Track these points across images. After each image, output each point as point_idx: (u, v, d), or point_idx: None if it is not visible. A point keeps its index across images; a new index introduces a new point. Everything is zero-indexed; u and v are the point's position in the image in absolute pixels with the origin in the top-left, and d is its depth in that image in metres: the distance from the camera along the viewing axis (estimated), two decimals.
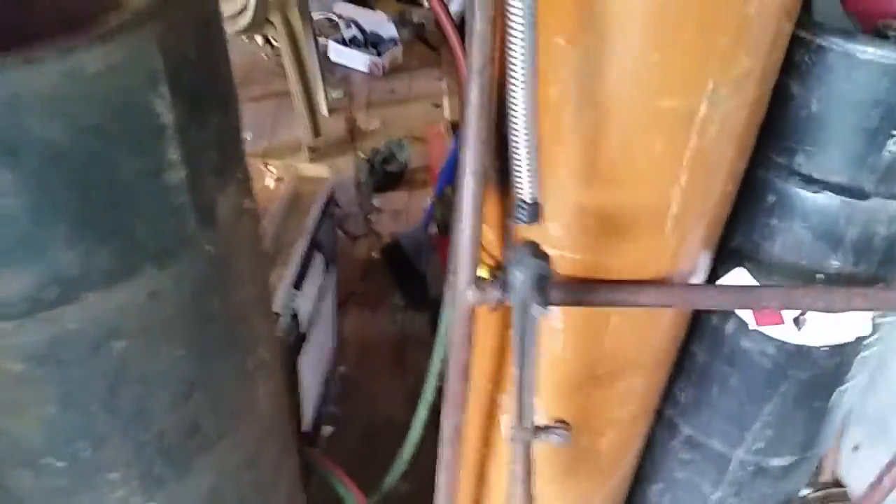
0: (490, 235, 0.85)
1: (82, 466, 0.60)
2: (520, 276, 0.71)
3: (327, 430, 1.66)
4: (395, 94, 3.15)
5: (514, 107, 0.65)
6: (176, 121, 0.56)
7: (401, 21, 3.39)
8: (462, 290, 0.76)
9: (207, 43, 0.64)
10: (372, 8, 3.40)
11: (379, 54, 3.21)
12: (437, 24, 2.66)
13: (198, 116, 0.59)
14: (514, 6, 0.60)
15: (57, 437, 0.58)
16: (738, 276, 0.96)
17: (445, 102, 3.02)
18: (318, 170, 1.69)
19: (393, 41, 3.29)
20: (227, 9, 2.39)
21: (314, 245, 1.40)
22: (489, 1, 0.63)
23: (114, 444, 0.60)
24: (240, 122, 0.71)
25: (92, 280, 0.54)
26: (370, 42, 3.27)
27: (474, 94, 0.67)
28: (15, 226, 0.49)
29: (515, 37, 0.62)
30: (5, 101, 0.48)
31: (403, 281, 2.16)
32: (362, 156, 2.71)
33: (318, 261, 1.44)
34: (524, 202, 0.70)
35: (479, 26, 0.64)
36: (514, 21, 0.61)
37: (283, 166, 1.59)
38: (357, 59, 3.23)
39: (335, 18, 3.31)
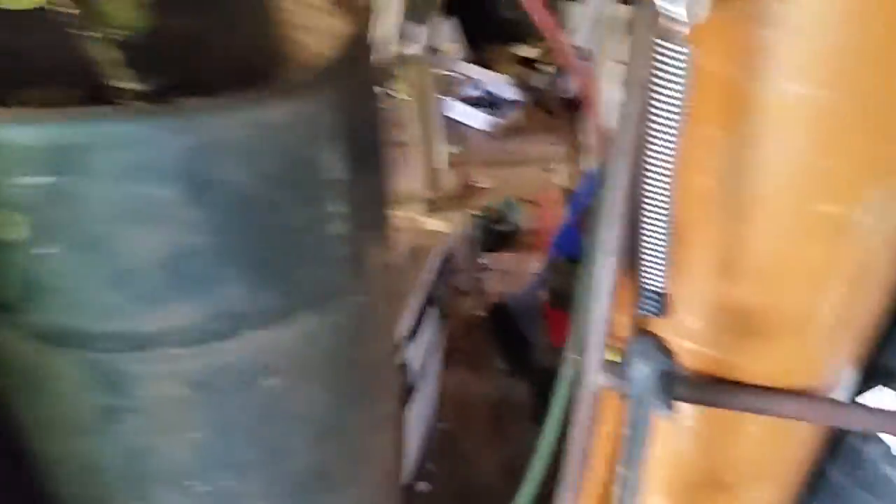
0: (618, 317, 0.82)
1: (222, 493, 0.62)
2: (641, 370, 0.67)
3: (423, 486, 1.64)
4: (510, 156, 3.20)
5: (652, 192, 0.61)
6: (344, 175, 0.60)
7: (521, 84, 3.47)
8: (590, 374, 0.73)
9: (374, 104, 0.68)
10: (493, 69, 3.50)
11: (497, 115, 3.29)
12: (553, 91, 2.67)
13: (362, 173, 0.63)
14: (665, 86, 0.56)
15: (204, 461, 0.61)
16: (880, 396, 0.89)
17: (559, 168, 3.04)
18: (439, 224, 1.72)
19: (512, 103, 3.36)
20: None
21: (429, 298, 1.43)
22: (643, 79, 0.59)
23: (252, 476, 0.62)
24: (391, 180, 0.74)
25: (254, 318, 0.57)
26: (490, 102, 3.36)
27: (619, 176, 0.63)
28: (199, 261, 0.53)
29: (663, 120, 0.57)
30: (201, 144, 0.52)
31: (507, 344, 2.15)
32: (475, 213, 2.75)
33: (432, 314, 1.46)
34: (652, 293, 0.67)
35: (632, 107, 0.61)
36: (663, 103, 0.56)
37: (404, 217, 1.63)
38: (476, 118, 3.32)
39: (458, 76, 3.42)
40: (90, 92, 0.65)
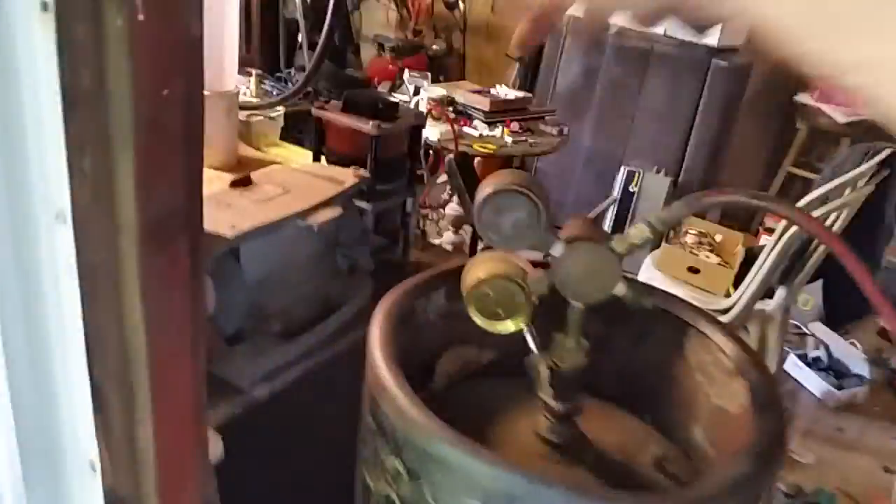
0: None
1: None
2: None
3: None
4: (842, 435, 2.89)
5: None
6: None
7: (875, 360, 3.15)
8: None
9: None
10: (847, 337, 3.24)
11: (839, 387, 3.01)
12: None
13: None
14: None
15: None
16: None
17: None
18: None
19: (859, 378, 3.05)
20: (711, 302, 2.56)
21: None
22: None
23: None
24: None
25: None
26: (833, 369, 3.10)
27: None
28: None
29: None
30: None
31: None
32: (783, 488, 2.52)
33: None
34: None
35: None
36: None
37: None
38: (813, 382, 3.08)
39: (807, 334, 3.23)
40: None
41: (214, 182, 1.10)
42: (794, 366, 3.12)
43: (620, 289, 0.67)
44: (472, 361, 0.92)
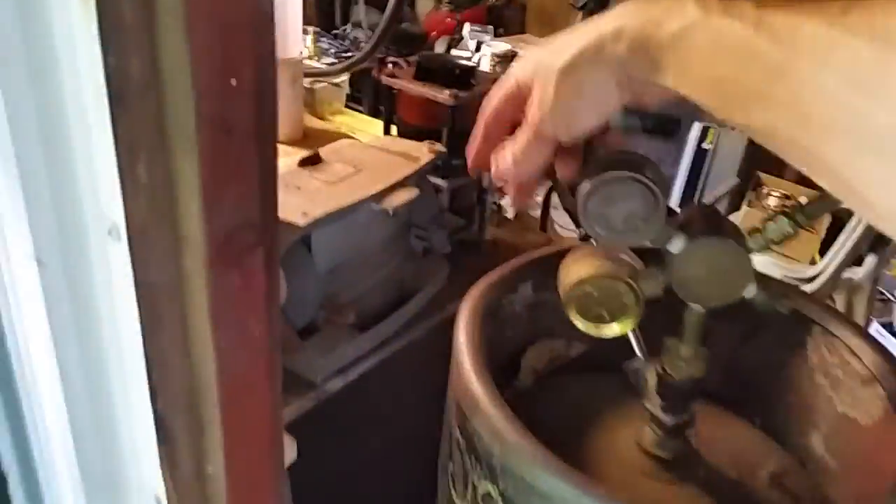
0: None
1: None
2: None
3: None
4: None
5: None
6: None
7: None
8: None
9: None
10: None
11: None
12: None
13: None
14: None
15: None
16: None
17: None
18: None
19: None
20: (796, 270, 2.41)
21: None
22: None
23: None
24: None
25: None
26: None
27: None
28: None
29: None
30: None
31: None
32: None
33: None
34: None
35: None
36: None
37: None
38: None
39: (892, 300, 3.04)
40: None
41: (281, 158, 1.03)
42: (877, 334, 2.94)
43: (751, 291, 0.58)
44: (559, 355, 0.84)
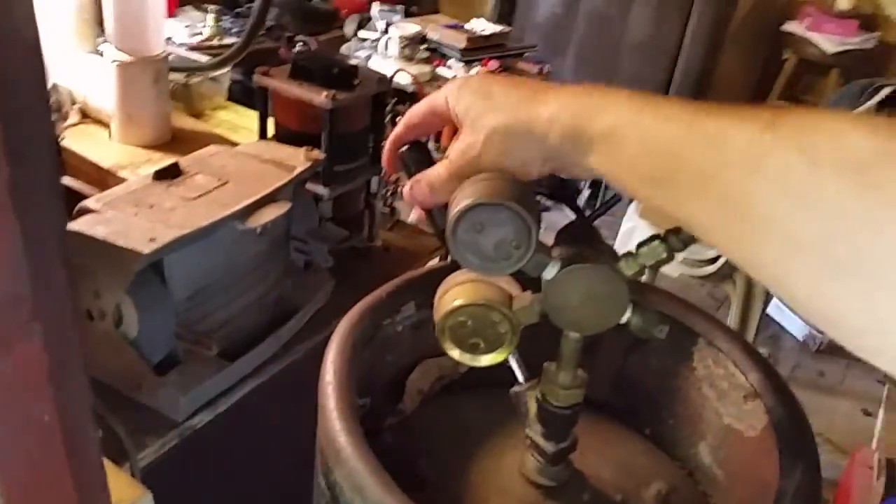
0: None
1: None
2: None
3: None
4: (823, 380, 2.87)
5: None
6: None
7: None
8: None
9: None
10: None
11: (821, 329, 2.97)
12: None
13: None
14: None
15: None
16: None
17: (880, 415, 2.64)
18: None
19: None
20: (698, 252, 2.46)
21: None
22: None
23: None
24: None
25: None
26: None
27: None
28: None
29: None
30: None
31: None
32: None
33: None
34: None
35: None
36: None
37: None
38: (795, 325, 3.04)
39: None
40: None
41: (142, 165, 0.95)
42: (776, 309, 3.07)
43: (626, 317, 0.55)
44: (448, 373, 0.81)
